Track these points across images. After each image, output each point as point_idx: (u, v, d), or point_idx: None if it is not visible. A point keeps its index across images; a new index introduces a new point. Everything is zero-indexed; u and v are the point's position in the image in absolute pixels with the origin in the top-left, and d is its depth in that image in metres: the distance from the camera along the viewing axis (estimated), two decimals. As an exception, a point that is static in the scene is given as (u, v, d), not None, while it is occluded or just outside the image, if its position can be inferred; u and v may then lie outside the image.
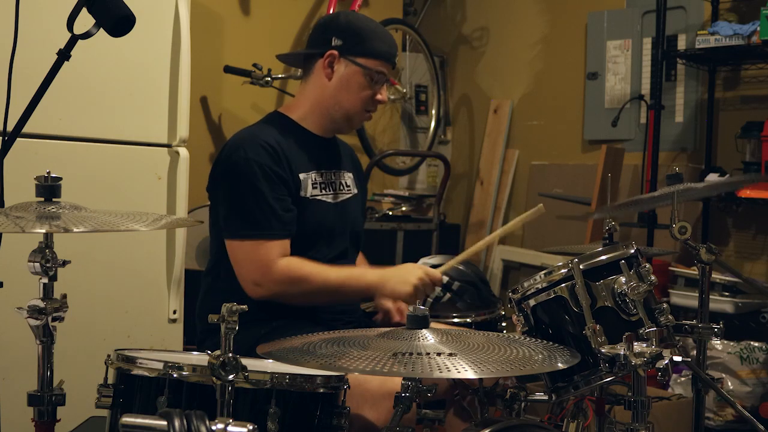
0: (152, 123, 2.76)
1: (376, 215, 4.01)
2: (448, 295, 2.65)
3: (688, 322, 2.04)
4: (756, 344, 3.27)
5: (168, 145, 2.79)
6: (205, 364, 1.24)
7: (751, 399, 3.21)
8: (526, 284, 1.74)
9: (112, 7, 1.60)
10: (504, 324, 2.69)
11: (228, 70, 3.61)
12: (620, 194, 4.00)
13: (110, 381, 1.50)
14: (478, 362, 1.35)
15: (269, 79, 3.58)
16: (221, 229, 2.16)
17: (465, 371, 1.32)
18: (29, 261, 1.46)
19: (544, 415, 2.00)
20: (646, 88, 4.03)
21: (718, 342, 3.25)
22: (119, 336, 2.63)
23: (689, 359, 2.03)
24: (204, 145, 3.67)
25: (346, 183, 2.34)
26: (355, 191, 2.38)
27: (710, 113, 3.77)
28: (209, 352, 1.24)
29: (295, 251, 2.14)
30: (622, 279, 1.67)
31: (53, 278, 1.48)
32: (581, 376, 1.65)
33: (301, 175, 2.19)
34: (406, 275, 2.15)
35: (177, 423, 1.06)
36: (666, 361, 1.49)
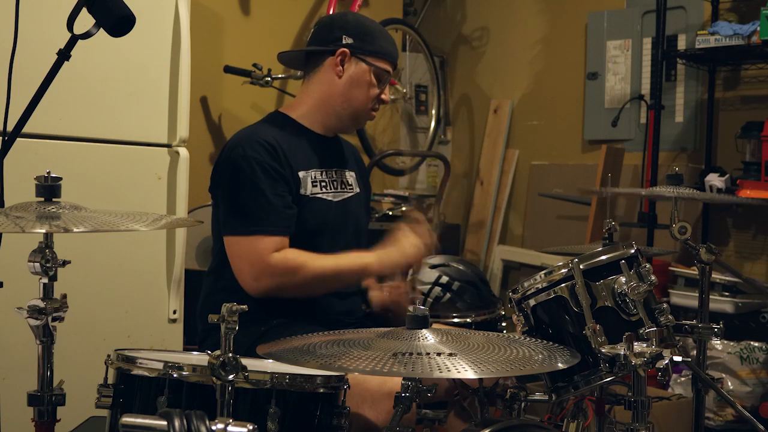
0: (152, 123, 2.76)
1: (377, 215, 4.00)
2: (448, 295, 2.65)
3: (688, 322, 2.04)
4: (756, 344, 3.27)
5: (168, 145, 2.79)
6: (205, 364, 1.24)
7: (751, 399, 3.21)
8: (526, 284, 1.74)
9: (112, 7, 1.60)
10: (504, 324, 2.69)
11: (228, 70, 3.61)
12: (620, 194, 4.01)
13: (110, 381, 1.50)
14: (478, 362, 1.35)
15: (269, 79, 3.57)
16: (221, 227, 2.16)
17: (465, 371, 1.32)
18: (29, 261, 1.46)
19: (544, 415, 2.00)
20: (646, 88, 4.03)
21: (718, 342, 3.25)
22: (119, 336, 2.62)
23: (689, 359, 2.04)
24: (204, 145, 3.66)
25: (347, 181, 2.33)
26: (358, 190, 2.37)
27: (710, 113, 3.76)
28: (209, 352, 1.24)
29: (295, 249, 2.13)
30: (622, 279, 1.67)
31: (53, 278, 1.48)
32: (581, 376, 1.65)
33: (301, 173, 2.19)
34: (401, 247, 2.19)
35: (177, 423, 1.06)
36: (666, 361, 1.49)
